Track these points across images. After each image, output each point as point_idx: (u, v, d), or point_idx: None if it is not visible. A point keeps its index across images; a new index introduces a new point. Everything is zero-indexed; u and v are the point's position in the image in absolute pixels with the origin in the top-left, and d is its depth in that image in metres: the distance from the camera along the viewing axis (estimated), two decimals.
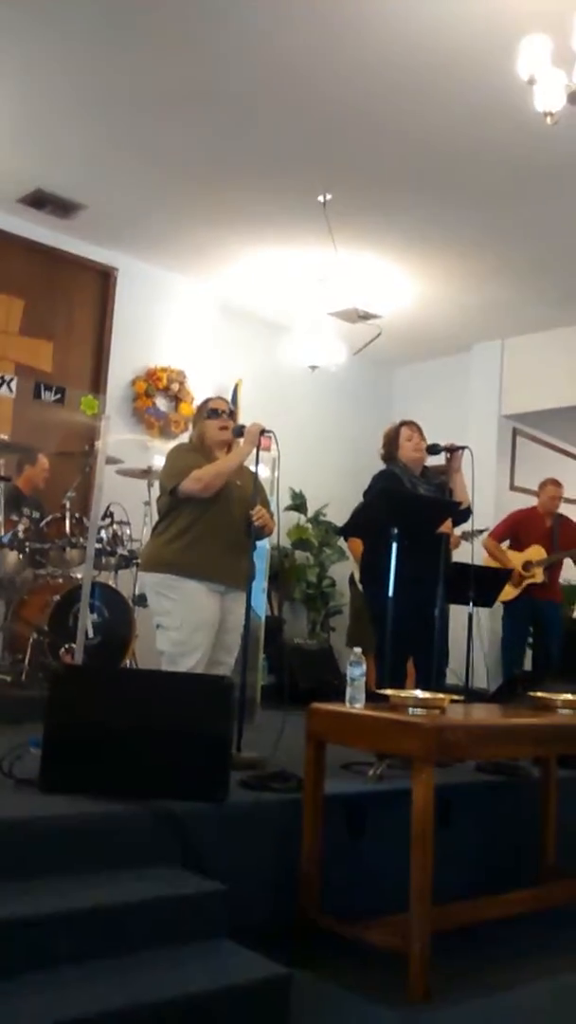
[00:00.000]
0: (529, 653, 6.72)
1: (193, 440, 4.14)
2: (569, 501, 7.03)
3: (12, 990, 2.12)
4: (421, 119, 4.91)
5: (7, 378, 4.76)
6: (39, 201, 6.16)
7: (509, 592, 6.34)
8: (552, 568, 6.58)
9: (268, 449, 4.17)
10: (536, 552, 6.54)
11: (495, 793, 3.73)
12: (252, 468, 3.95)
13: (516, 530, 6.66)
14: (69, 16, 4.29)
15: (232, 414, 4.10)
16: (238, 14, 4.21)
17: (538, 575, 6.48)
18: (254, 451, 3.92)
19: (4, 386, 4.83)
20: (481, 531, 5.92)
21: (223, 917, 2.60)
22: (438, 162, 5.33)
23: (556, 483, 6.73)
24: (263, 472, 4.07)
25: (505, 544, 6.69)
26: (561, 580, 6.80)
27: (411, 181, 5.57)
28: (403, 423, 4.63)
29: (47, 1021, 2.03)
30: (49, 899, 2.40)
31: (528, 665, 6.65)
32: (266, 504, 4.07)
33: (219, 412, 4.05)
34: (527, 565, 6.46)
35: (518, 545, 6.61)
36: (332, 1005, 2.58)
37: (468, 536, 5.53)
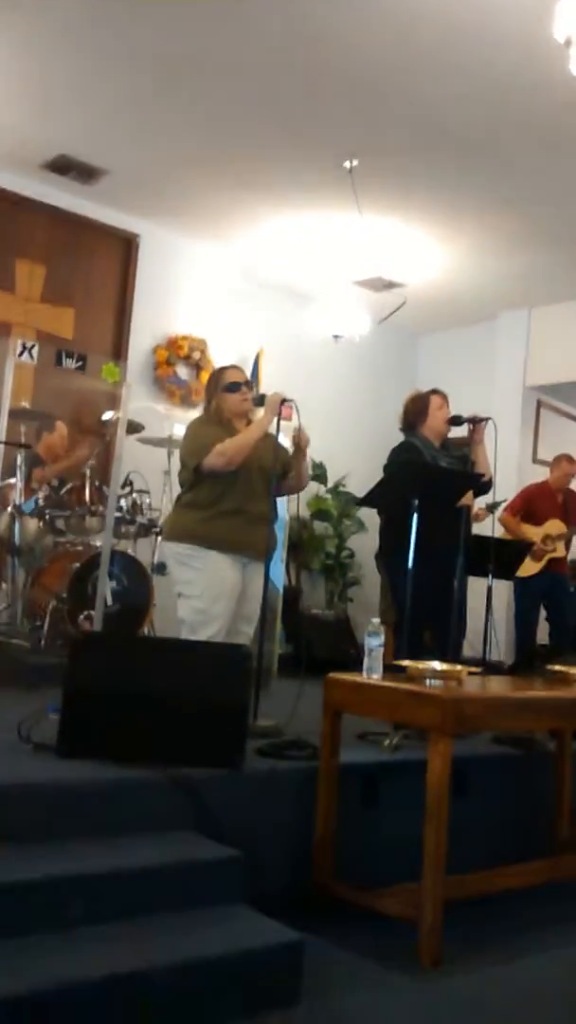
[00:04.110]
0: (544, 627, 6.71)
1: (210, 412, 4.04)
2: None
3: (27, 950, 2.15)
4: (449, 83, 4.81)
5: (28, 345, 4.74)
6: (62, 167, 6.13)
7: (532, 567, 6.31)
8: (567, 542, 6.57)
9: (289, 418, 4.15)
10: (555, 526, 6.50)
11: (511, 765, 3.73)
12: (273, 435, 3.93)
13: (530, 504, 6.64)
14: None
15: (249, 384, 4.01)
16: None
17: (560, 549, 6.47)
18: (275, 420, 3.90)
19: (26, 353, 4.81)
20: (499, 503, 5.88)
21: (239, 883, 2.62)
22: (466, 127, 5.23)
23: (571, 459, 6.71)
24: (283, 442, 4.06)
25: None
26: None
27: (439, 146, 5.47)
28: (433, 391, 4.49)
29: (58, 980, 2.06)
30: (66, 862, 2.43)
31: (544, 638, 6.64)
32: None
33: (238, 385, 3.99)
34: (547, 539, 6.43)
35: (533, 519, 6.58)
36: (345, 971, 2.61)
37: (492, 508, 5.50)
